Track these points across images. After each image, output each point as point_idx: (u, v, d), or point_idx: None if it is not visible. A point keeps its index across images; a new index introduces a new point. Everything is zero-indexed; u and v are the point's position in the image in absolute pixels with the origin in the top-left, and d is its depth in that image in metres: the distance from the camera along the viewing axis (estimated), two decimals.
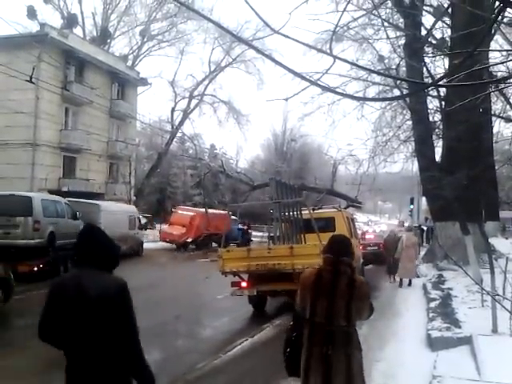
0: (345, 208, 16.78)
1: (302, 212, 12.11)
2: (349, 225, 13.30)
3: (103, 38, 42.56)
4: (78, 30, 39.48)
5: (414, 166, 25.45)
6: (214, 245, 29.11)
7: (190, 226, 29.78)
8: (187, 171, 48.01)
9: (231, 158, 53.85)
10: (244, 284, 10.60)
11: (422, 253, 21.85)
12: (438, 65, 19.00)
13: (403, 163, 23.31)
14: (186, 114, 47.57)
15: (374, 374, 5.86)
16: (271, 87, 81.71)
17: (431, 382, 5.68)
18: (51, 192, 29.54)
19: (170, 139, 45.52)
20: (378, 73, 14.36)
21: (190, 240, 29.99)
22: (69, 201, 19.81)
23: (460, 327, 7.86)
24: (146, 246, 27.68)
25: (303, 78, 3.07)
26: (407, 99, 18.76)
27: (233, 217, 23.90)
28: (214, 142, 57.69)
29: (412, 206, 35.61)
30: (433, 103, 18.95)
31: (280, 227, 11.54)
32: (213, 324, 10.02)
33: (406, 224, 29.38)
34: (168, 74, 77.87)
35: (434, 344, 7.32)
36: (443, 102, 16.77)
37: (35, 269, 14.96)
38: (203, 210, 28.21)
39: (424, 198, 33.77)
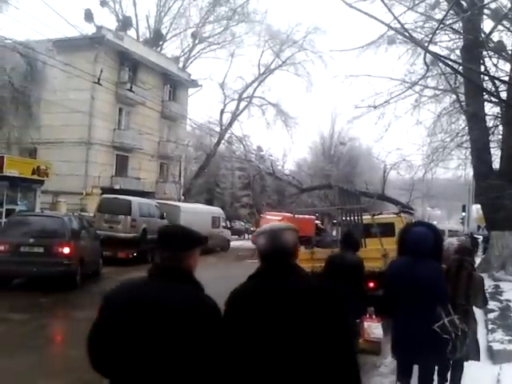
0: (398, 213, 16.48)
1: (363, 217, 12.32)
2: None
3: (156, 39, 43.38)
4: (131, 32, 40.45)
5: (467, 173, 24.76)
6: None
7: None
8: (235, 172, 48.24)
9: (278, 160, 53.79)
10: None
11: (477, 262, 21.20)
12: (496, 69, 18.45)
13: (455, 169, 22.71)
14: (235, 115, 47.88)
15: None
16: (320, 89, 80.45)
17: None
18: (103, 189, 30.50)
19: (218, 140, 45.93)
20: (444, 59, 13.94)
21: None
22: (158, 203, 23.96)
23: None
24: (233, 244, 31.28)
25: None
26: (463, 104, 18.33)
27: None
28: (260, 143, 57.91)
29: (464, 214, 34.63)
30: (491, 109, 18.44)
31: (342, 231, 11.65)
32: None
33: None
34: (218, 76, 78.49)
35: (495, 356, 7.09)
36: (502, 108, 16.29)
37: (130, 256, 18.97)
38: (290, 214, 29.21)
39: (475, 206, 32.96)
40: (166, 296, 2.28)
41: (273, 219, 31.58)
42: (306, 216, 19.61)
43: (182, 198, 37.05)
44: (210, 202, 41.27)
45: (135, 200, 21.33)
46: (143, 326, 2.24)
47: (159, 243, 2.47)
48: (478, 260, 21.87)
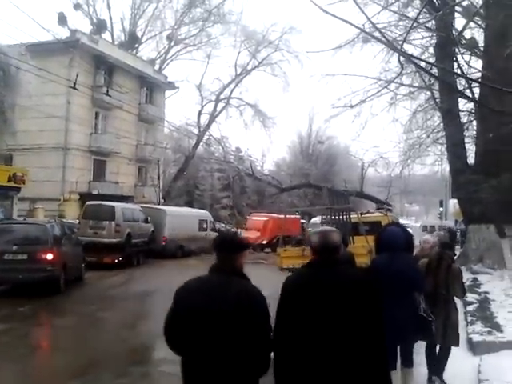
0: (376, 210, 16.72)
1: (351, 216, 13.07)
2: None
3: (131, 42, 43.16)
4: (106, 35, 40.19)
5: (443, 169, 25.12)
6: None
7: (264, 230, 31.36)
8: (214, 174, 48.23)
9: (257, 161, 53.92)
10: None
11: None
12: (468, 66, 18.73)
13: (432, 165, 23.02)
14: (213, 117, 47.84)
15: (418, 377, 5.82)
16: (297, 89, 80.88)
17: None
18: (81, 195, 30.21)
19: (196, 142, 45.85)
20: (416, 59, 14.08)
21: (264, 242, 31.06)
22: (142, 207, 24.36)
23: (502, 331, 7.76)
24: None
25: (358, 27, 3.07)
26: (438, 101, 18.59)
27: None
28: (239, 144, 57.89)
29: (441, 209, 35.13)
30: (465, 105, 18.72)
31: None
32: None
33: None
34: (195, 78, 78.30)
35: (476, 348, 7.23)
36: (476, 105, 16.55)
37: (116, 261, 19.34)
38: (276, 214, 29.68)
39: (452, 201, 33.45)
40: (224, 287, 2.99)
41: (258, 220, 32.09)
42: (292, 216, 20.04)
43: (162, 201, 36.85)
44: (189, 204, 41.15)
45: (119, 205, 21.66)
46: (210, 311, 2.94)
47: (216, 247, 3.18)
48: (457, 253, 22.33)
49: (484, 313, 9.28)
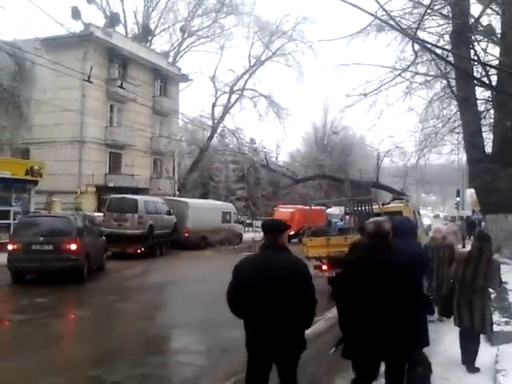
0: (391, 201, 16.61)
1: (373, 207, 13.20)
2: (414, 217, 14.32)
3: (145, 35, 43.23)
4: (120, 29, 40.29)
5: (460, 158, 24.83)
6: None
7: (291, 221, 31.12)
8: (229, 166, 48.21)
9: (271, 152, 53.79)
10: (325, 267, 11.84)
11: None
12: (485, 53, 18.44)
13: (448, 155, 22.78)
14: (227, 108, 47.82)
15: (435, 367, 5.78)
16: (311, 80, 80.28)
17: (496, 376, 5.58)
18: (98, 187, 30.45)
19: (211, 134, 45.86)
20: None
21: (292, 233, 30.85)
22: (165, 199, 25.44)
23: None
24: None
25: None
26: (454, 89, 18.35)
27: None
28: (253, 136, 57.76)
29: (458, 199, 34.74)
30: (482, 93, 18.46)
31: (354, 220, 13.02)
32: None
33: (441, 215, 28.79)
34: (208, 70, 78.23)
35: (493, 338, 7.17)
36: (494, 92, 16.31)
37: (138, 251, 20.31)
38: (302, 206, 29.91)
39: (469, 190, 33.08)
40: (275, 259, 4.02)
41: (286, 211, 32.18)
42: (317, 207, 20.20)
43: (177, 193, 37.02)
44: (205, 196, 41.30)
45: (141, 198, 22.75)
46: (266, 279, 3.92)
47: (265, 230, 4.22)
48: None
49: (502, 303, 9.17)
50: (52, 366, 6.60)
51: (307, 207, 18.11)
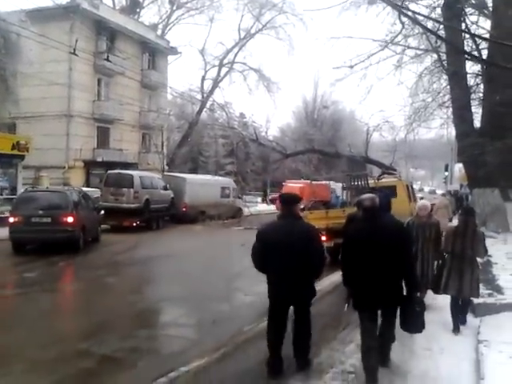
0: (380, 175, 16.72)
1: (368, 181, 13.92)
2: (408, 191, 15.12)
3: (132, 7, 42.47)
4: (107, 0, 39.41)
5: (449, 132, 24.93)
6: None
7: (301, 195, 31.10)
8: (218, 140, 47.99)
9: (261, 127, 53.51)
10: (324, 238, 12.07)
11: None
12: (477, 26, 18.34)
13: (438, 129, 22.85)
14: (216, 82, 47.31)
15: (417, 338, 5.91)
16: (302, 53, 79.49)
17: (478, 346, 5.71)
18: (86, 162, 30.24)
19: (200, 108, 45.48)
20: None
21: (301, 207, 31.09)
22: (163, 175, 27.22)
23: (503, 293, 7.84)
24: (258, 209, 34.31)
25: None
26: (444, 63, 18.30)
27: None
28: (243, 110, 57.40)
29: (447, 173, 34.91)
30: (472, 67, 18.43)
31: (351, 194, 13.92)
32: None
33: (440, 192, 29.02)
34: (198, 43, 77.32)
35: (476, 310, 7.31)
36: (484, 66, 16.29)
37: (134, 224, 21.41)
38: (308, 181, 30.49)
39: (458, 165, 33.24)
40: (291, 226, 5.18)
41: (294, 186, 32.35)
42: (322, 182, 20.61)
43: (166, 168, 36.86)
44: (194, 171, 41.18)
45: (137, 174, 23.56)
46: (284, 241, 5.06)
47: (282, 202, 5.43)
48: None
49: (486, 275, 9.32)
50: (41, 339, 6.64)
51: (313, 182, 19.32)
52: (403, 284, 5.03)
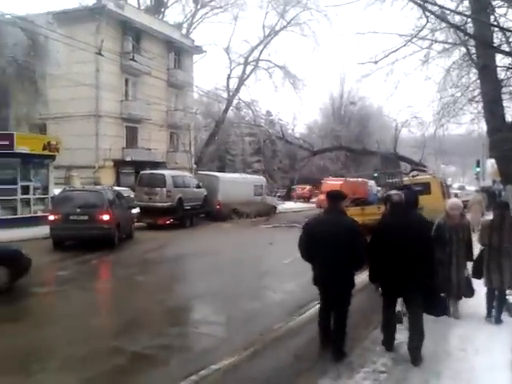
0: (409, 172, 16.56)
1: (403, 179, 14.35)
2: (442, 188, 15.31)
3: (157, 7, 42.76)
4: (132, 1, 39.80)
5: (480, 127, 24.38)
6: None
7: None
8: (245, 138, 47.93)
9: (288, 124, 53.31)
10: None
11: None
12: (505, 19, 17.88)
13: (468, 124, 22.36)
14: (242, 80, 47.26)
15: (451, 338, 5.81)
16: (327, 49, 78.58)
17: None
18: (115, 162, 30.62)
19: (226, 107, 45.55)
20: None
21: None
22: (196, 173, 28.27)
23: None
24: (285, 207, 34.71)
25: None
26: (474, 57, 17.88)
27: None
28: (269, 108, 57.33)
29: (478, 169, 34.16)
30: (502, 60, 17.99)
31: (387, 191, 13.82)
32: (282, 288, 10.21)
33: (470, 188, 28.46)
34: (222, 41, 77.51)
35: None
36: None
37: (167, 222, 22.13)
38: (347, 178, 30.88)
39: (490, 161, 32.52)
40: (336, 220, 5.60)
41: (334, 183, 32.43)
42: (359, 179, 20.51)
43: (194, 166, 37.05)
44: (221, 170, 41.25)
45: (169, 173, 24.18)
46: (329, 234, 5.47)
47: (328, 198, 5.83)
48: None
49: None
50: (74, 336, 6.74)
51: (351, 179, 19.48)
52: (425, 273, 5.33)
